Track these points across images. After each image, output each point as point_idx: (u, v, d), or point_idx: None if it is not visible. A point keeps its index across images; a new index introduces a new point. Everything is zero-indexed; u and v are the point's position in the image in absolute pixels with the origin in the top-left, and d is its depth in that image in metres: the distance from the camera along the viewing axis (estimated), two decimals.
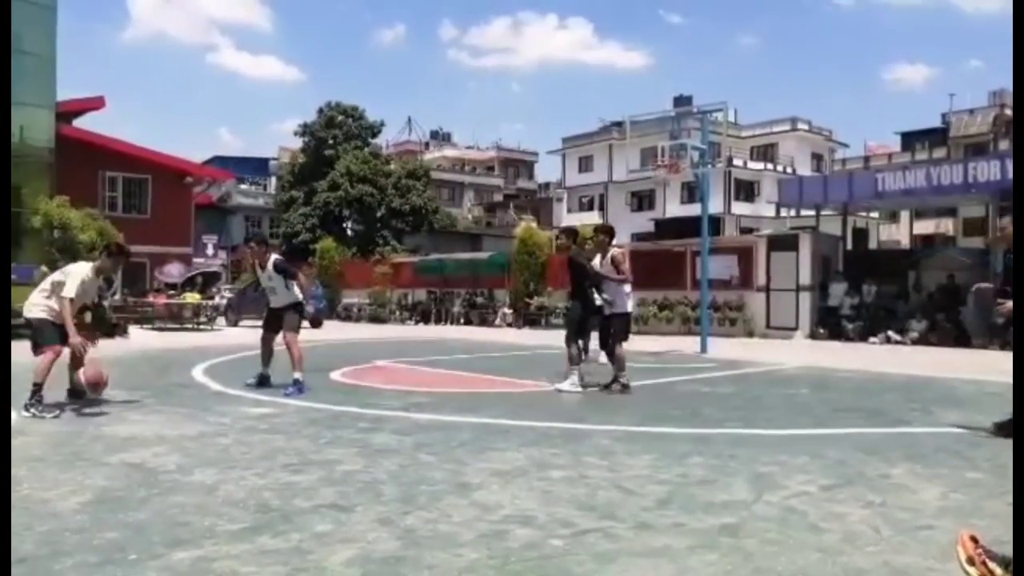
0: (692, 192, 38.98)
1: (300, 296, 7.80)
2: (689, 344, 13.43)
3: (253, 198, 48.06)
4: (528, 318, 22.16)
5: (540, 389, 8.16)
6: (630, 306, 7.94)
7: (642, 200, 47.05)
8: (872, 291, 17.20)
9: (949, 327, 15.60)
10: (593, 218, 41.09)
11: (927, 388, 8.63)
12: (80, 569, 2.75)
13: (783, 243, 18.17)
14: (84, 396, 6.44)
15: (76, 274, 6.28)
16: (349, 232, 39.78)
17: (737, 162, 44.11)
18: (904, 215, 41.82)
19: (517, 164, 64.90)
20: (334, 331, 19.64)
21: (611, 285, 7.74)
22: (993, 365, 10.65)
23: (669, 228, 32.75)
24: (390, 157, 45.06)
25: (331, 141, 40.70)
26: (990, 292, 5.74)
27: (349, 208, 39.26)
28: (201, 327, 19.47)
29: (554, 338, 16.35)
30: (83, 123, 26.20)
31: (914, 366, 10.77)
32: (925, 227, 42.47)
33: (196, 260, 27.48)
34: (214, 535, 3.13)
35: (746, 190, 45.06)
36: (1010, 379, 8.39)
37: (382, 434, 5.36)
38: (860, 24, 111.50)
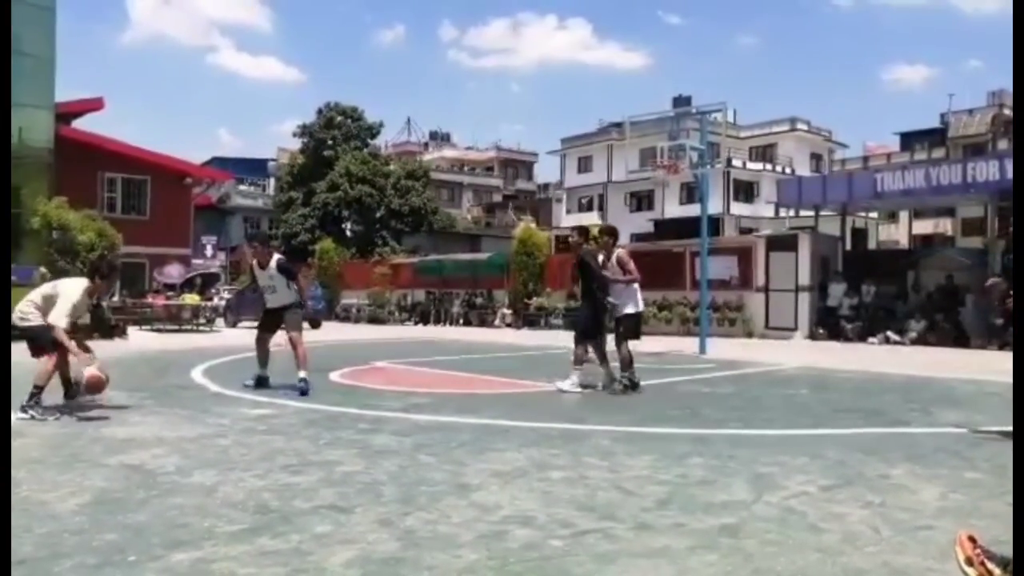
0: (691, 192, 39.01)
1: (298, 296, 7.77)
2: (688, 344, 13.43)
3: (252, 199, 48.09)
4: (527, 319, 22.16)
5: (539, 390, 8.16)
6: (640, 306, 7.90)
7: (641, 201, 47.05)
8: (871, 291, 17.21)
9: (948, 327, 15.62)
10: (592, 219, 41.09)
11: (926, 388, 8.64)
12: (79, 571, 2.75)
13: (782, 243, 18.18)
14: (76, 396, 6.41)
15: (67, 296, 6.15)
16: (348, 233, 39.78)
17: (736, 162, 44.14)
18: (903, 215, 41.85)
19: (516, 165, 64.91)
20: (333, 332, 19.63)
21: (619, 286, 7.71)
22: (992, 365, 10.66)
23: (668, 228, 32.75)
24: (389, 158, 45.08)
25: (330, 142, 40.72)
26: (1002, 287, 5.69)
27: (348, 209, 39.26)
28: (200, 328, 19.45)
29: (553, 339, 16.36)
30: (82, 124, 26.21)
31: (913, 366, 10.78)
32: (924, 227, 42.50)
33: (195, 261, 27.46)
34: (213, 536, 3.13)
35: (745, 190, 45.09)
36: (1009, 379, 8.40)
37: (382, 435, 5.36)
38: (859, 24, 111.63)
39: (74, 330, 6.33)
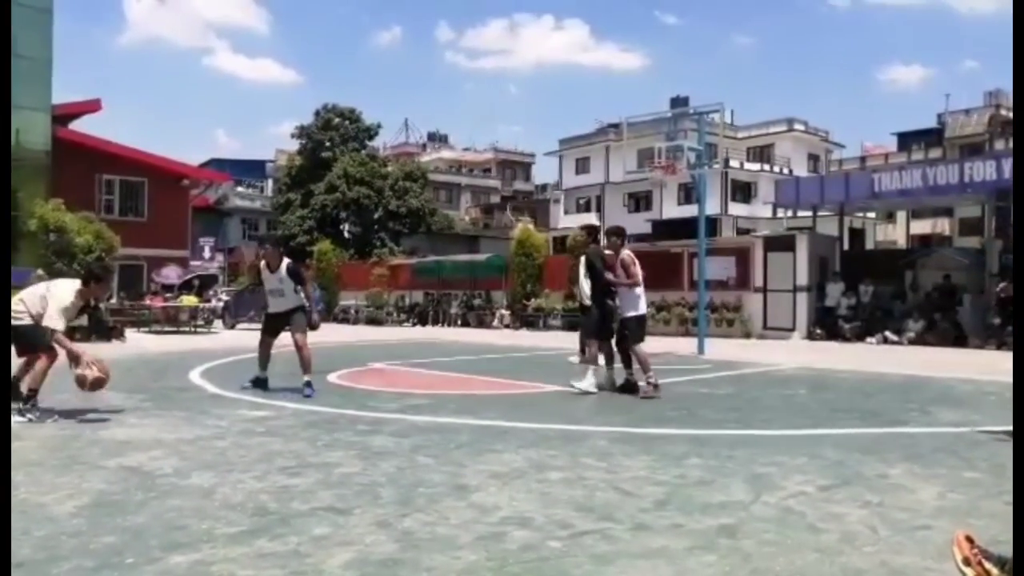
0: (689, 193, 39.02)
1: (304, 301, 7.73)
2: (686, 345, 13.44)
3: (250, 200, 48.07)
4: (525, 319, 22.16)
5: (538, 391, 8.16)
6: (642, 308, 7.81)
7: (639, 201, 47.08)
8: (869, 291, 17.23)
9: (946, 327, 15.64)
10: (590, 219, 41.13)
11: (924, 388, 8.65)
12: (77, 573, 2.75)
13: (780, 244, 18.19)
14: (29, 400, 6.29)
15: (58, 299, 6.10)
16: (346, 234, 39.77)
17: (734, 163, 44.16)
18: (901, 215, 41.92)
19: (514, 166, 64.93)
20: (331, 333, 19.61)
21: (622, 288, 7.67)
22: (990, 365, 10.68)
23: (666, 229, 32.74)
24: (387, 159, 45.05)
25: (328, 143, 40.70)
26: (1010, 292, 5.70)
27: (346, 210, 39.25)
28: (198, 330, 19.44)
29: (552, 339, 16.36)
30: (79, 126, 26.19)
31: (911, 366, 10.79)
32: (922, 227, 42.57)
33: (193, 263, 27.48)
34: (212, 538, 3.12)
35: (743, 191, 45.13)
36: (1007, 378, 8.41)
37: (380, 436, 5.36)
38: (855, 25, 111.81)
39: (70, 334, 6.31)
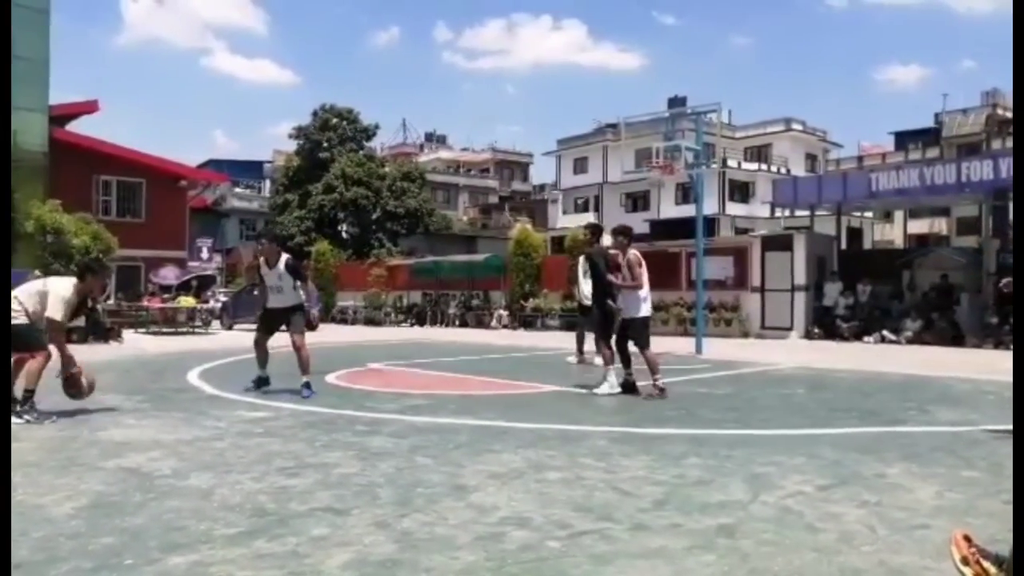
0: (687, 193, 39.01)
1: (303, 299, 7.64)
2: (684, 345, 13.44)
3: (248, 201, 48.03)
4: (524, 320, 22.16)
5: (536, 391, 8.16)
6: (646, 310, 7.69)
7: (637, 201, 47.10)
8: (867, 291, 17.25)
9: (943, 326, 15.66)
10: (589, 219, 41.08)
11: (922, 387, 8.65)
12: (75, 574, 2.75)
13: (778, 243, 18.20)
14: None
15: (59, 294, 6.12)
16: (344, 235, 39.74)
17: (731, 163, 44.20)
18: (898, 215, 42.00)
19: (512, 166, 64.93)
20: (329, 334, 19.59)
21: (626, 289, 7.59)
22: (987, 364, 10.69)
23: (664, 229, 32.76)
24: (385, 160, 45.00)
25: (326, 144, 40.65)
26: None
27: (344, 211, 39.21)
28: (196, 331, 19.42)
29: (550, 339, 16.36)
30: (77, 127, 26.17)
31: (909, 365, 10.80)
32: (919, 227, 42.65)
33: (191, 264, 27.43)
34: (210, 539, 3.12)
35: (741, 191, 45.16)
36: (1005, 378, 8.43)
37: (378, 437, 5.35)
38: (853, 25, 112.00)
39: (68, 334, 6.29)
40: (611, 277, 7.65)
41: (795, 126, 48.22)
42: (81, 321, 7.10)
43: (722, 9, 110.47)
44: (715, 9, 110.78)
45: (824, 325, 16.95)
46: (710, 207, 36.35)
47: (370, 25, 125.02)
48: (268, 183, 50.48)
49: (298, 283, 7.54)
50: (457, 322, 23.99)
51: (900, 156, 43.81)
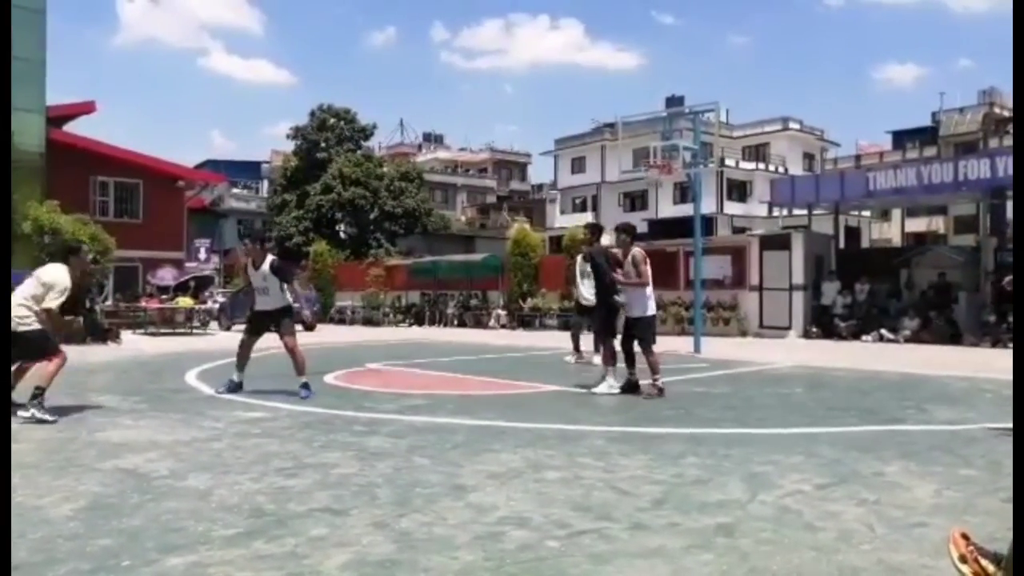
0: (685, 192, 39.10)
1: (291, 300, 7.53)
2: (683, 344, 13.44)
3: (246, 202, 47.94)
4: (522, 319, 22.16)
5: (535, 390, 8.16)
6: (652, 308, 7.63)
7: (635, 201, 47.12)
8: (865, 289, 17.27)
9: (941, 325, 15.68)
10: (587, 219, 41.09)
11: (920, 386, 8.66)
12: None
13: (776, 242, 18.22)
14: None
15: (59, 282, 6.14)
16: (342, 235, 39.71)
17: (729, 162, 44.18)
18: (896, 214, 42.05)
19: (510, 166, 64.92)
20: (328, 334, 19.59)
21: (630, 288, 7.53)
22: (985, 363, 10.71)
23: (662, 228, 32.79)
24: (383, 160, 44.95)
25: (323, 144, 40.62)
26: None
27: (342, 211, 39.17)
28: (194, 331, 19.40)
29: (548, 339, 16.36)
30: (74, 127, 26.11)
31: (907, 364, 10.81)
32: (917, 225, 42.72)
33: (188, 264, 27.37)
34: (208, 540, 3.12)
35: (738, 190, 45.19)
36: (1002, 376, 8.44)
37: (377, 437, 5.35)
38: (850, 24, 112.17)
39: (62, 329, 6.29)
40: (616, 275, 7.61)
41: (793, 125, 48.26)
42: (80, 323, 7.05)
43: (720, 8, 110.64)
44: (713, 8, 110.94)
45: (822, 324, 16.96)
46: (708, 206, 36.40)
47: (367, 25, 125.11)
48: (266, 183, 50.40)
49: (284, 285, 7.42)
50: (455, 322, 23.98)
51: (898, 155, 43.88)
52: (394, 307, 26.60)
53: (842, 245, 21.04)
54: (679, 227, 24.77)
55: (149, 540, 3.11)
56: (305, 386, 7.25)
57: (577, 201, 50.56)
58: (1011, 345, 13.32)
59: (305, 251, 31.60)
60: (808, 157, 48.78)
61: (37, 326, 6.06)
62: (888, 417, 6.39)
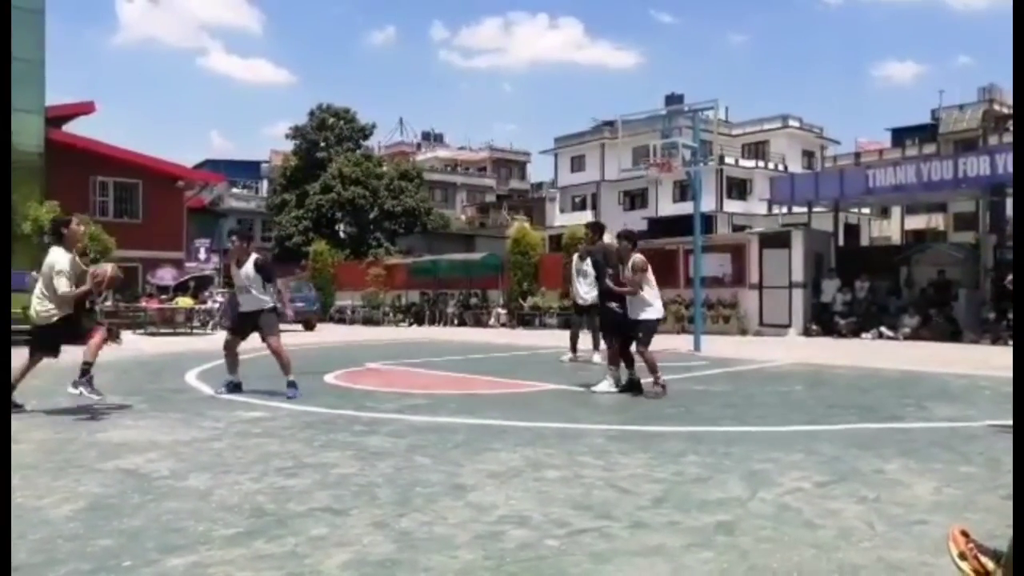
0: (684, 191, 39.09)
1: (273, 301, 7.32)
2: (683, 342, 13.44)
3: (245, 201, 47.90)
4: (522, 318, 22.17)
5: (535, 389, 8.16)
6: (657, 312, 7.46)
7: (634, 199, 47.11)
8: (864, 287, 17.27)
9: (941, 322, 15.68)
10: (586, 217, 41.11)
11: (920, 383, 8.66)
12: None
13: (775, 240, 18.22)
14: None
15: (56, 262, 6.18)
16: (342, 234, 39.72)
17: (729, 160, 44.21)
18: (895, 211, 42.05)
19: (509, 164, 64.90)
20: (327, 333, 19.59)
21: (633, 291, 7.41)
22: (985, 360, 10.71)
23: (662, 227, 32.77)
24: (382, 159, 44.97)
25: (323, 143, 40.62)
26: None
27: (342, 210, 39.18)
28: (194, 331, 19.40)
29: (549, 338, 16.35)
30: (73, 128, 26.10)
31: (907, 361, 10.81)
32: (916, 223, 42.74)
33: (188, 264, 27.38)
34: (209, 540, 3.12)
35: (738, 188, 45.18)
36: (1001, 373, 8.45)
37: (377, 437, 5.35)
38: (849, 21, 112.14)
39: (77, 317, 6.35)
40: (609, 282, 7.54)
41: (792, 123, 48.26)
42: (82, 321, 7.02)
43: (719, 7, 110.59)
44: (712, 7, 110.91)
45: (822, 322, 16.97)
46: (708, 204, 36.39)
47: (366, 24, 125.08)
48: (265, 183, 50.39)
49: (268, 284, 7.26)
50: (455, 321, 23.99)
51: (897, 152, 43.91)
52: (394, 306, 26.60)
53: (842, 243, 21.03)
54: (679, 225, 24.72)
55: (149, 540, 3.11)
56: (292, 385, 7.14)
57: (577, 200, 50.55)
58: (1011, 342, 13.33)
59: (305, 251, 31.59)
60: (808, 155, 48.78)
61: (58, 316, 6.15)
62: (888, 414, 6.39)
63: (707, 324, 16.12)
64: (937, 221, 41.46)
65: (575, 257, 11.09)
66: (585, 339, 11.01)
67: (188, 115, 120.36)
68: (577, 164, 50.44)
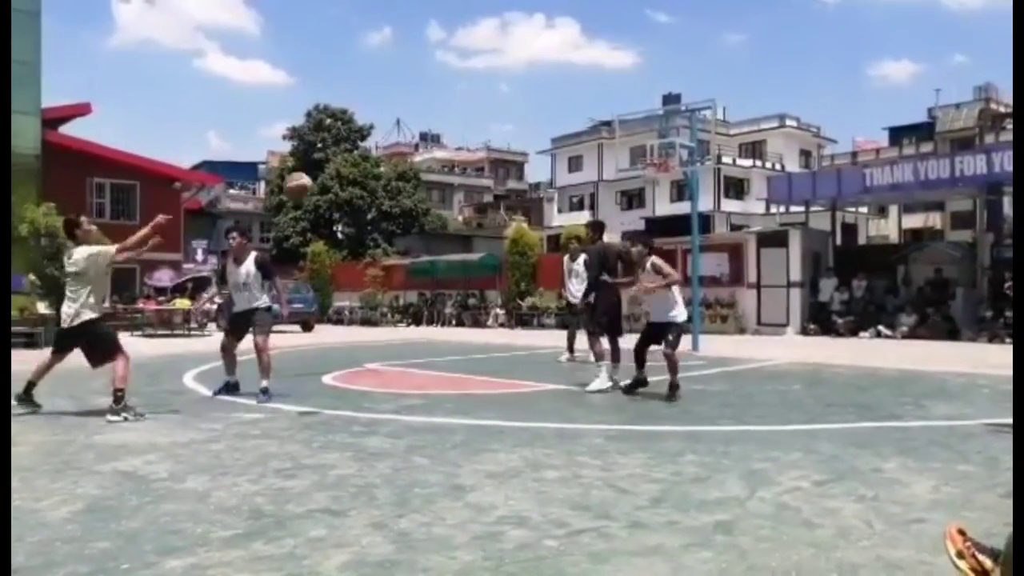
0: (682, 190, 39.03)
1: (268, 300, 7.23)
2: (681, 342, 13.42)
3: (243, 202, 47.86)
4: (520, 318, 22.16)
5: (533, 389, 8.16)
6: (684, 315, 7.34)
7: (632, 199, 47.14)
8: (862, 286, 17.29)
9: (938, 321, 15.70)
10: (584, 217, 41.12)
11: (918, 382, 8.67)
12: None
13: (773, 240, 18.24)
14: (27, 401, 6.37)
15: (79, 255, 6.29)
16: (340, 235, 39.71)
17: (726, 160, 44.25)
18: (892, 210, 42.07)
19: (507, 165, 64.87)
20: (326, 334, 19.58)
21: (652, 293, 7.28)
22: (982, 358, 10.73)
23: (660, 226, 32.81)
24: (380, 159, 44.95)
25: (320, 144, 40.62)
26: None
27: (339, 211, 39.18)
28: (192, 333, 19.38)
29: (547, 338, 16.35)
30: (70, 129, 26.06)
31: (904, 360, 10.83)
32: (913, 221, 42.78)
33: (186, 266, 27.36)
34: (207, 542, 3.11)
35: (735, 187, 45.22)
36: (999, 372, 8.46)
37: (375, 437, 5.35)
38: (845, 21, 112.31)
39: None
40: (606, 277, 7.57)
41: (789, 122, 48.31)
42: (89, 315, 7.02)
43: (715, 6, 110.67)
44: (708, 6, 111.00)
45: (820, 321, 16.98)
46: (705, 204, 36.38)
47: (362, 25, 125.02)
48: (263, 184, 50.34)
49: (267, 282, 7.16)
50: (453, 322, 23.99)
51: (894, 151, 43.92)
52: (392, 307, 26.59)
53: (839, 242, 21.05)
54: (676, 225, 24.73)
55: (148, 542, 3.11)
56: (264, 391, 6.95)
57: (574, 200, 50.56)
58: (1008, 340, 13.35)
59: (303, 252, 31.56)
60: (805, 154, 48.84)
61: (92, 315, 6.23)
62: (886, 413, 6.40)
63: (705, 323, 16.12)
64: (934, 220, 41.51)
65: (565, 258, 11.14)
66: (583, 339, 11.00)
67: (185, 116, 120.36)
68: (575, 164, 50.45)
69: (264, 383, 7.04)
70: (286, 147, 42.84)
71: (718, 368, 10.15)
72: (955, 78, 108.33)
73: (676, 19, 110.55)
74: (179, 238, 27.88)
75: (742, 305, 17.93)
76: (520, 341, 16.15)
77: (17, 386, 6.35)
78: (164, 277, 23.27)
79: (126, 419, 5.95)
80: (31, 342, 13.93)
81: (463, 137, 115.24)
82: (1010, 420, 4.98)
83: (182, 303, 20.22)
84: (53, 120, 24.26)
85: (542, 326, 21.13)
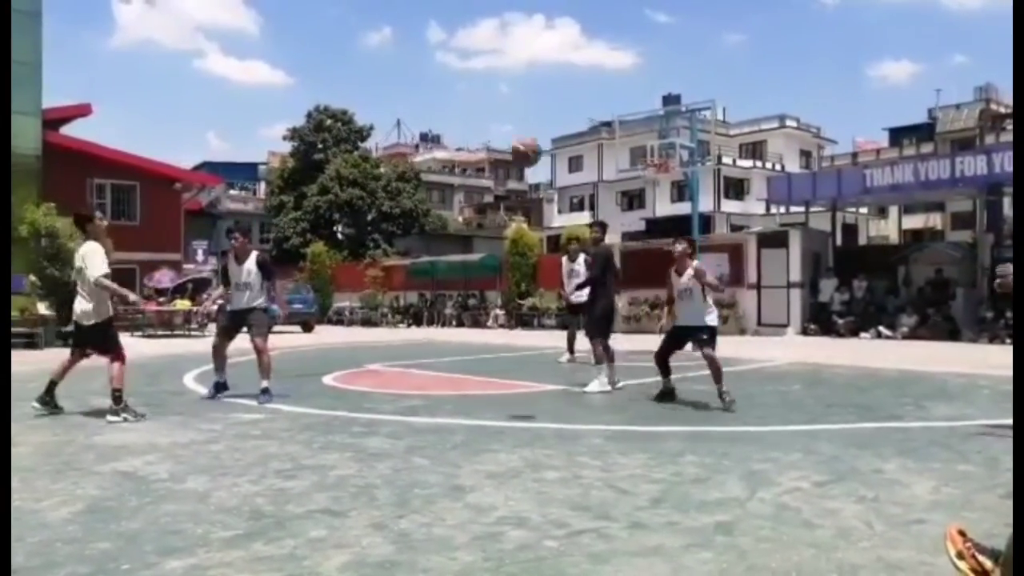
0: (682, 191, 39.05)
1: (266, 301, 7.25)
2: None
3: (243, 203, 47.86)
4: (520, 319, 22.16)
5: (533, 390, 8.16)
6: (716, 318, 7.14)
7: (632, 199, 47.15)
8: (862, 286, 17.29)
9: (939, 321, 15.70)
10: (584, 218, 41.13)
11: (918, 382, 8.67)
12: None
13: (773, 240, 18.24)
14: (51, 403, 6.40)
15: (88, 252, 6.24)
16: (340, 236, 39.71)
17: (726, 160, 44.26)
18: (893, 210, 42.08)
19: (507, 165, 64.79)
20: (326, 335, 19.58)
21: (685, 299, 7.05)
22: (983, 359, 10.72)
23: (659, 227, 32.82)
24: (380, 160, 44.97)
25: (320, 145, 40.62)
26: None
27: (339, 212, 39.18)
28: (192, 333, 19.38)
29: (547, 338, 16.36)
30: (70, 130, 26.05)
31: (905, 360, 10.82)
32: (914, 222, 42.78)
33: (186, 266, 27.36)
34: (207, 543, 3.11)
35: (736, 188, 45.23)
36: (999, 372, 8.46)
37: (375, 438, 5.35)
38: (845, 21, 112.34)
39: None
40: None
41: (789, 123, 48.32)
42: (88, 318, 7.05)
43: (715, 6, 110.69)
44: (708, 6, 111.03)
45: (820, 321, 16.98)
46: (705, 205, 36.36)
47: (362, 26, 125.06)
48: (263, 185, 50.35)
49: (267, 282, 7.19)
50: (454, 322, 23.99)
51: (894, 152, 43.93)
52: (392, 308, 26.60)
53: (839, 242, 21.05)
54: (677, 225, 24.73)
55: (148, 543, 3.11)
56: (265, 391, 6.98)
57: (575, 200, 50.57)
58: (1008, 341, 13.35)
59: (303, 253, 31.57)
60: (805, 154, 48.85)
61: (96, 320, 6.29)
62: (886, 414, 6.40)
63: None
64: (935, 220, 41.52)
65: (564, 259, 11.15)
66: (583, 340, 11.00)
67: (185, 117, 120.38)
68: (575, 165, 50.47)
69: (264, 384, 7.06)
70: (286, 147, 42.87)
71: None
72: (955, 78, 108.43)
73: (676, 19, 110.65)
74: (179, 239, 27.89)
75: (742, 305, 17.93)
76: (520, 342, 16.15)
77: (22, 386, 6.36)
78: (164, 278, 23.24)
79: (126, 419, 5.95)
80: (31, 342, 13.94)
81: (463, 138, 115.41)
82: (1010, 421, 4.97)
83: (182, 304, 20.21)
84: (54, 121, 24.26)
85: (542, 327, 21.13)
